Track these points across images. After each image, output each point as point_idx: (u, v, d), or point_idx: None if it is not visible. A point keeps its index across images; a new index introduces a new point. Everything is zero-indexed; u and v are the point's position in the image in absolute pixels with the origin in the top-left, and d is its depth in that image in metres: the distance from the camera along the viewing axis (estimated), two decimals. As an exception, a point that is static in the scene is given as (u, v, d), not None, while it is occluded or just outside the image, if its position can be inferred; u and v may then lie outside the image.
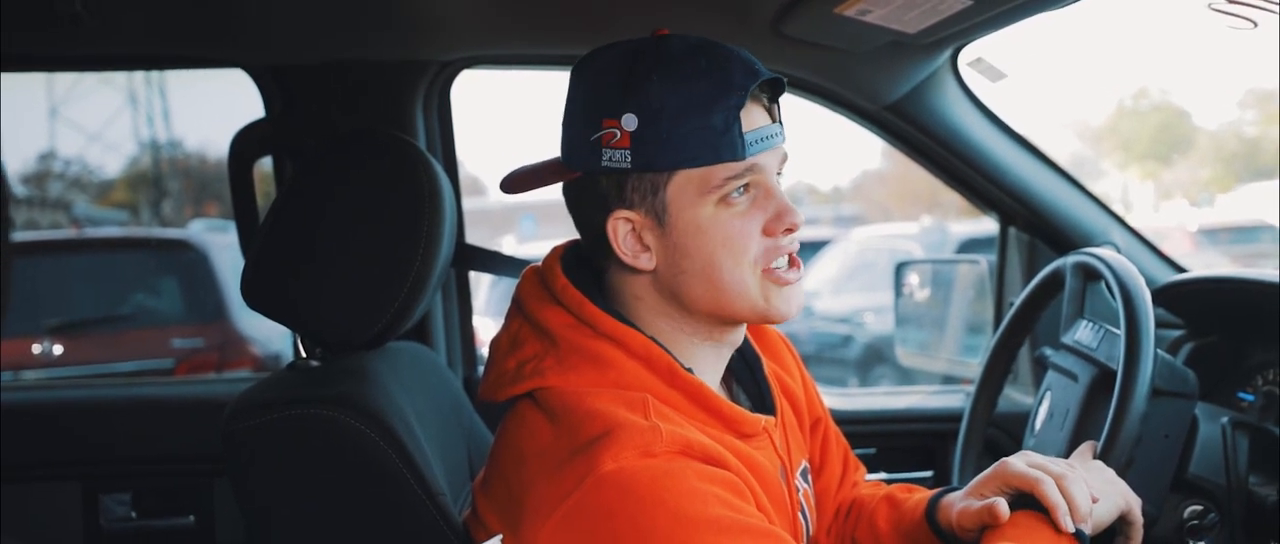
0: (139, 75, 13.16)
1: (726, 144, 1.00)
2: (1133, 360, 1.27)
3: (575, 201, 1.09)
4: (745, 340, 1.19)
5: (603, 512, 0.92)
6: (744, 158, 1.01)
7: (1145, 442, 1.27)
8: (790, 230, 1.05)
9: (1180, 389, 1.35)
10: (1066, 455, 1.32)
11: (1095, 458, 1.23)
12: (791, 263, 1.07)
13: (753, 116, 1.03)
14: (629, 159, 1.01)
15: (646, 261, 1.05)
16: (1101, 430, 1.27)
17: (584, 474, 0.93)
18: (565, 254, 1.13)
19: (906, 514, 1.24)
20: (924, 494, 1.24)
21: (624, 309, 1.08)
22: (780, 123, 1.07)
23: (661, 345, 1.05)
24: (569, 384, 1.03)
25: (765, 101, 1.05)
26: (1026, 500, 1.06)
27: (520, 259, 1.81)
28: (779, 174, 1.08)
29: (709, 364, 1.11)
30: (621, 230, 1.05)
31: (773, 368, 1.25)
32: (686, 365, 1.06)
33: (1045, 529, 1.03)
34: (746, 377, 1.20)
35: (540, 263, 1.13)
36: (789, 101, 1.93)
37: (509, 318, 1.12)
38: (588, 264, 1.12)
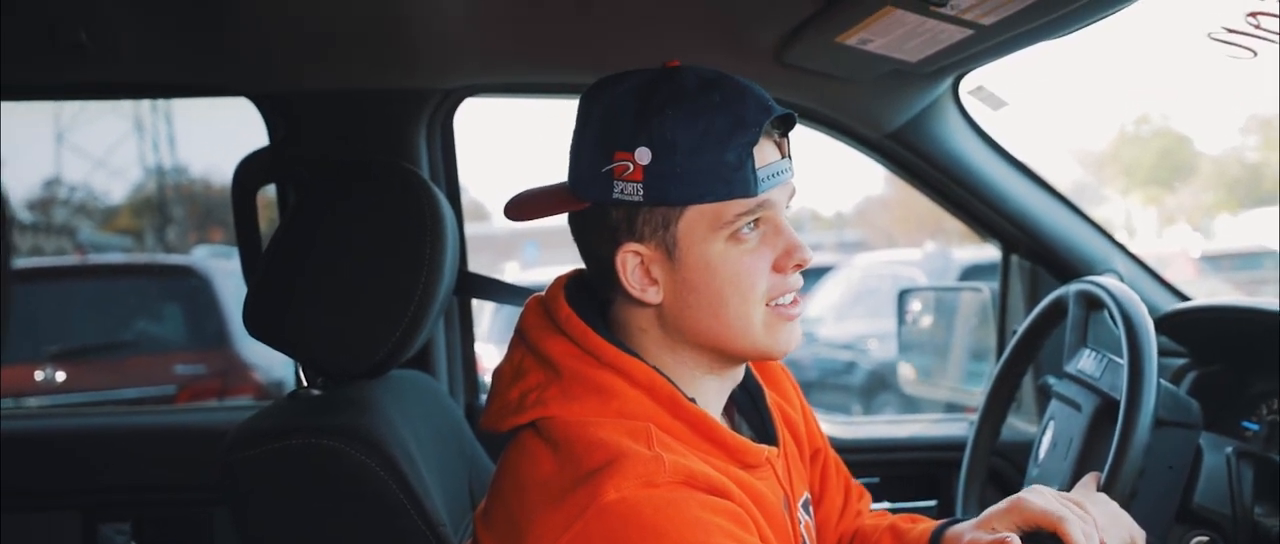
0: (145, 102, 13.23)
1: (739, 180, 1.00)
2: (1136, 391, 1.27)
3: (582, 232, 1.08)
4: (748, 370, 1.19)
5: (605, 540, 0.91)
6: (756, 194, 1.01)
7: (1149, 473, 1.26)
8: (799, 266, 1.05)
9: (1184, 419, 1.34)
10: (1070, 486, 1.31)
11: (1099, 490, 1.22)
12: (794, 300, 1.07)
13: (764, 152, 1.02)
14: (641, 192, 1.00)
15: (654, 295, 1.05)
16: (1105, 461, 1.26)
17: (586, 504, 0.93)
18: (569, 284, 1.12)
19: None
20: (928, 525, 1.23)
21: (628, 340, 1.08)
22: (790, 157, 1.07)
23: (665, 376, 1.05)
24: (572, 414, 1.02)
25: (776, 136, 1.05)
26: (1038, 538, 1.05)
27: (522, 287, 1.81)
28: (787, 208, 1.08)
29: (712, 395, 1.11)
30: (630, 263, 1.04)
31: (774, 398, 1.25)
32: (690, 396, 1.06)
33: None
34: (749, 407, 1.19)
35: (544, 293, 1.13)
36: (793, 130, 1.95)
37: (512, 348, 1.12)
38: (592, 294, 1.11)
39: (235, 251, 1.84)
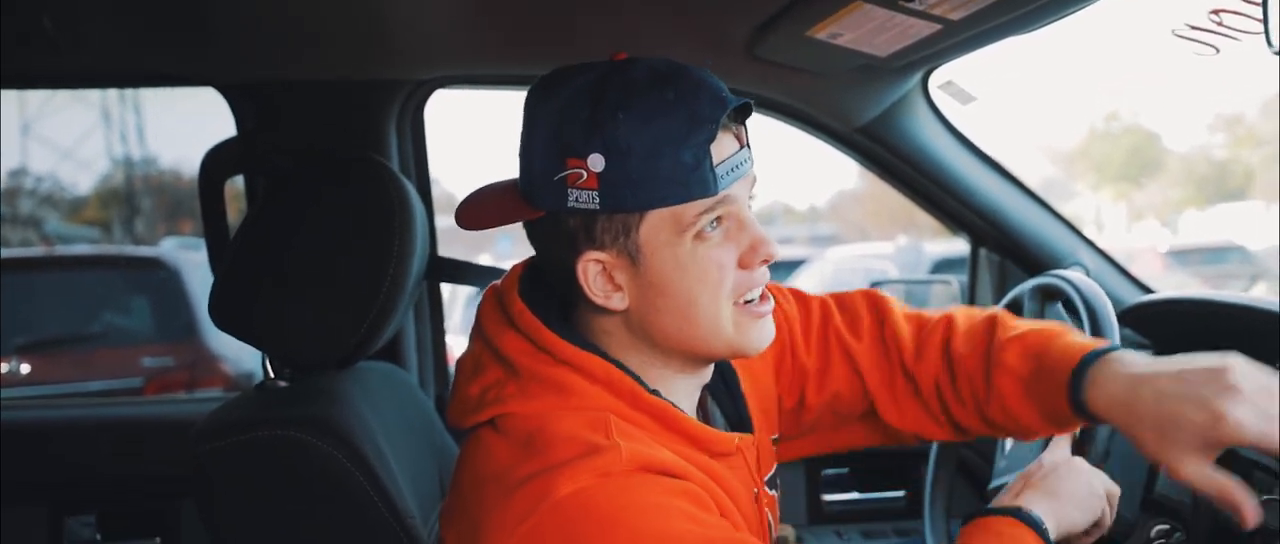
0: (113, 92, 13.07)
1: (697, 180, 0.96)
2: None
3: (540, 239, 1.05)
4: None
5: (562, 533, 0.90)
6: (717, 192, 0.97)
7: (1116, 451, 1.28)
8: (766, 261, 1.02)
9: None
10: None
11: (1075, 445, 1.22)
12: (763, 296, 1.05)
13: (722, 146, 0.99)
14: (597, 200, 0.96)
15: (619, 302, 1.02)
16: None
17: (540, 498, 0.91)
18: (525, 274, 1.10)
19: (1046, 369, 1.13)
20: (1067, 354, 1.12)
21: (591, 337, 1.06)
22: (748, 146, 1.04)
23: (625, 369, 1.03)
24: (530, 409, 1.01)
25: (733, 127, 1.02)
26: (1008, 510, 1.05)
27: (493, 268, 1.80)
28: (750, 198, 1.05)
29: (681, 390, 1.09)
30: (592, 271, 1.01)
31: (750, 368, 1.22)
32: (653, 388, 1.04)
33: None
34: (722, 392, 1.18)
35: (500, 283, 1.10)
36: (764, 122, 1.95)
37: (472, 339, 1.10)
38: (548, 285, 1.09)
39: (204, 243, 1.83)
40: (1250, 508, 0.94)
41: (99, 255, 8.08)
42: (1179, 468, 0.98)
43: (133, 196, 14.40)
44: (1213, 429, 0.95)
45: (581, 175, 0.96)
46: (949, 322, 1.25)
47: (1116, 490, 1.14)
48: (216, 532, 1.14)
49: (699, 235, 0.99)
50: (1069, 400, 1.09)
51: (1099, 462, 1.21)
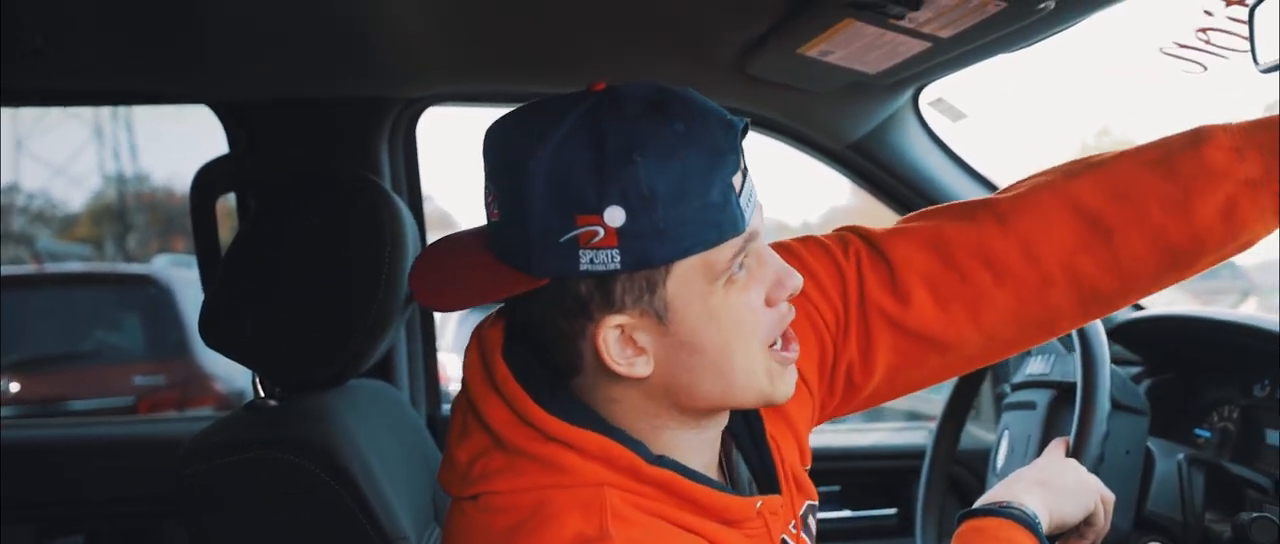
0: (105, 109, 13.05)
1: (728, 220, 0.84)
2: (1090, 362, 1.30)
3: (537, 310, 0.88)
4: None
5: None
6: (744, 230, 0.86)
7: (1108, 459, 1.28)
8: (792, 294, 0.90)
9: (1135, 406, 1.38)
10: None
11: (1069, 451, 1.22)
12: (786, 341, 0.92)
13: (737, 176, 0.86)
14: (618, 259, 0.82)
15: (643, 367, 0.88)
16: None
17: None
18: (510, 324, 0.94)
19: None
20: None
21: (592, 402, 0.92)
22: (748, 167, 0.90)
23: (625, 438, 0.90)
24: (520, 486, 0.88)
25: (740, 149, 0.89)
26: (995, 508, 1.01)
27: None
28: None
29: (697, 445, 0.95)
30: (612, 339, 0.86)
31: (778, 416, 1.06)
32: (658, 455, 0.91)
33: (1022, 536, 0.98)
34: (747, 442, 1.03)
35: (484, 333, 0.95)
36: (756, 139, 1.96)
37: (460, 392, 0.97)
38: (534, 339, 0.93)
39: (196, 261, 1.82)
40: None
41: (91, 273, 8.05)
42: None
43: (125, 214, 14.36)
44: None
45: (597, 233, 0.82)
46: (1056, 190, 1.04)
47: (1110, 496, 1.12)
48: (204, 552, 1.13)
49: (730, 281, 0.87)
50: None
51: (1093, 468, 1.22)
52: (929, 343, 1.06)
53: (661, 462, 0.90)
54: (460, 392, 0.96)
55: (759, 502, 0.94)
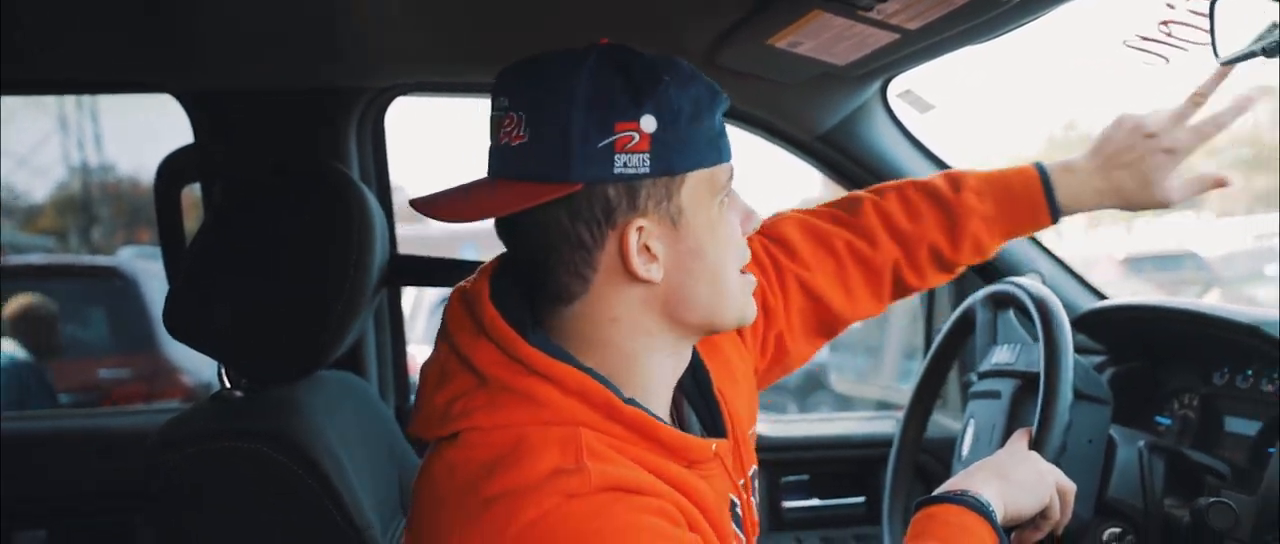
0: (69, 99, 12.87)
1: (725, 146, 1.02)
2: (1053, 354, 1.32)
3: (554, 229, 0.97)
4: (695, 353, 1.13)
5: None
6: (731, 159, 1.03)
7: (1070, 448, 1.30)
8: (754, 230, 1.07)
9: (1098, 395, 1.39)
10: None
11: (1029, 448, 1.24)
12: (749, 268, 1.08)
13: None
14: (647, 163, 0.95)
15: (656, 272, 0.99)
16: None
17: (505, 523, 0.88)
18: (495, 275, 1.05)
19: (1015, 191, 1.37)
20: (1020, 174, 1.38)
21: (581, 335, 1.01)
22: None
23: (600, 378, 0.99)
24: (499, 421, 0.96)
25: None
26: (958, 497, 1.07)
27: (460, 263, 1.66)
28: None
29: (662, 384, 1.05)
30: (634, 240, 0.97)
31: (722, 358, 1.21)
32: (629, 396, 1.00)
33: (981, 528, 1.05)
34: (696, 395, 1.15)
35: (467, 285, 1.05)
36: (728, 131, 1.96)
37: (438, 344, 1.05)
38: (520, 286, 1.04)
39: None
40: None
41: (55, 265, 7.95)
42: (1170, 190, 1.34)
43: (90, 205, 14.18)
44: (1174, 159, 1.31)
45: (633, 138, 0.95)
46: (876, 206, 1.39)
47: (1071, 486, 1.17)
48: (169, 543, 1.13)
49: (722, 201, 1.02)
50: (1048, 207, 1.36)
51: (1054, 458, 1.23)
52: (824, 305, 1.34)
53: (633, 403, 0.99)
54: (436, 348, 1.04)
55: (713, 444, 1.04)
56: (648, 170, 0.95)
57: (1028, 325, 1.48)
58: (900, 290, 1.40)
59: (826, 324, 1.36)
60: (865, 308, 1.38)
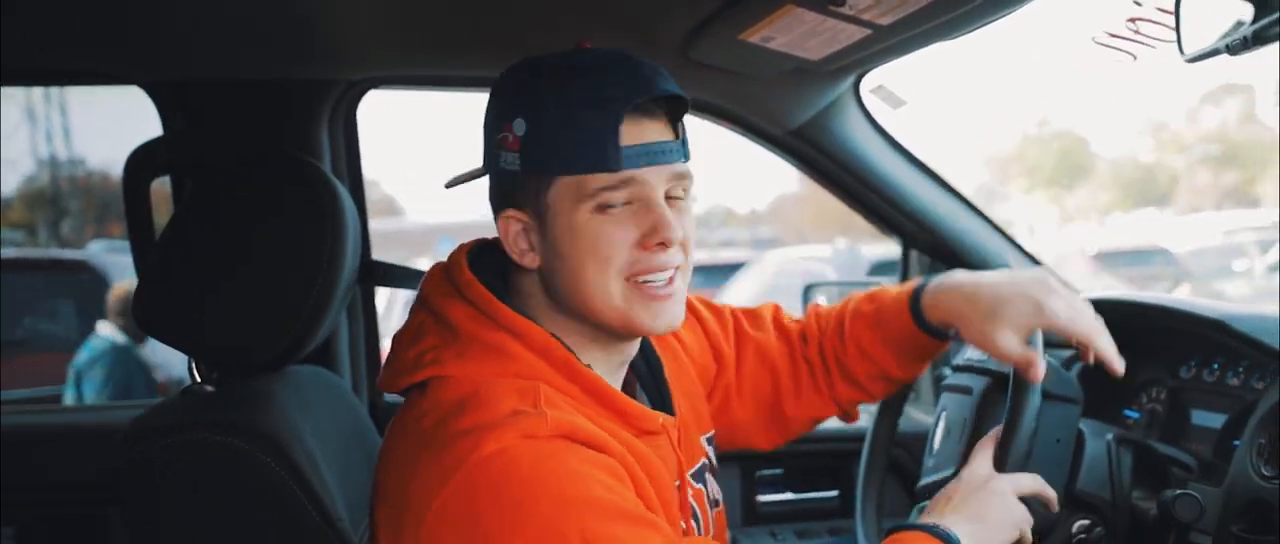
0: (37, 90, 12.71)
1: (600, 155, 1.03)
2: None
3: (490, 200, 1.13)
4: (647, 343, 1.23)
5: (485, 491, 0.94)
6: (619, 170, 1.03)
7: (1039, 447, 1.31)
8: (663, 245, 1.07)
9: (1067, 394, 1.40)
10: (962, 463, 1.34)
11: (996, 448, 1.26)
12: (669, 281, 1.09)
13: (640, 131, 1.05)
14: (518, 162, 1.05)
15: (531, 261, 1.09)
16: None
17: (465, 456, 0.95)
18: (472, 250, 1.15)
19: (886, 308, 1.39)
20: (904, 289, 1.39)
21: (525, 306, 1.11)
22: (681, 142, 1.10)
23: (561, 341, 1.08)
24: (466, 373, 1.04)
25: (665, 118, 1.08)
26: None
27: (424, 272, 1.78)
28: (679, 196, 1.10)
29: (607, 364, 1.14)
30: (512, 229, 1.09)
31: (678, 354, 1.30)
32: (586, 362, 1.09)
33: None
34: (648, 378, 1.23)
35: (446, 259, 1.15)
36: (706, 128, 1.97)
37: (413, 312, 1.14)
38: (493, 263, 1.14)
39: (131, 246, 1.78)
40: (1037, 371, 1.21)
41: (23, 259, 7.85)
42: (998, 341, 1.25)
43: (59, 198, 14.02)
44: (1034, 314, 1.23)
45: (508, 138, 1.05)
46: (818, 315, 1.48)
47: (1051, 495, 1.21)
48: (142, 537, 1.12)
49: (600, 208, 1.05)
50: (911, 315, 1.34)
51: (1021, 461, 1.24)
52: (775, 382, 1.44)
53: (589, 368, 1.08)
54: (411, 315, 1.14)
55: (661, 417, 1.14)
56: (518, 168, 1.06)
57: None
58: (846, 393, 1.47)
59: (773, 408, 1.45)
60: (810, 402, 1.46)
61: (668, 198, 1.09)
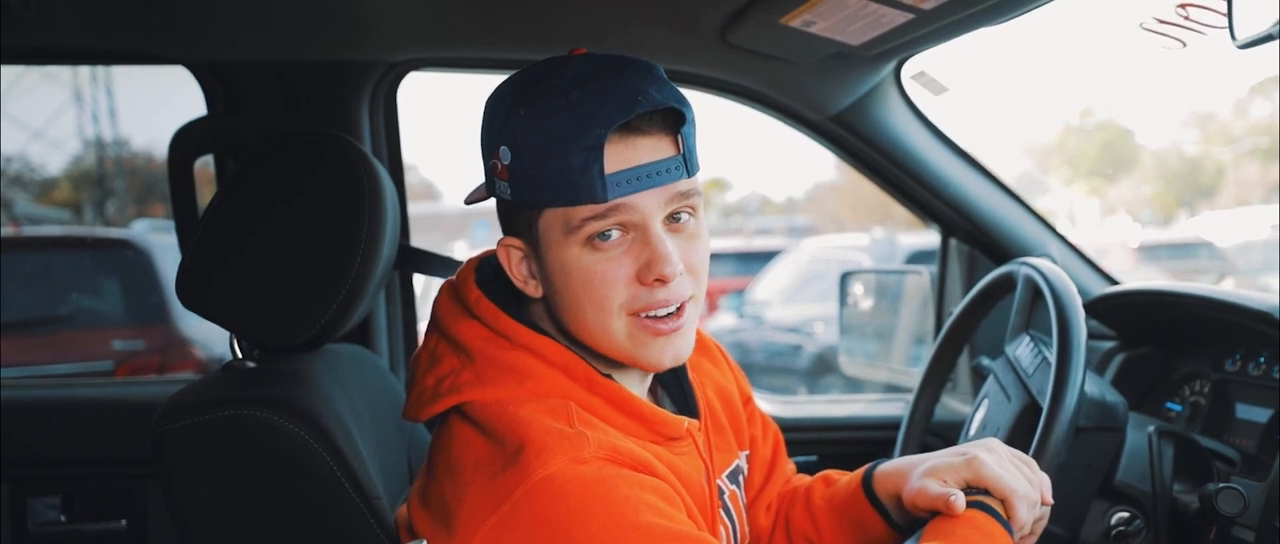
0: (84, 71, 12.91)
1: (584, 185, 0.95)
2: (1053, 413, 1.27)
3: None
4: None
5: (536, 519, 0.92)
6: (604, 200, 0.96)
7: (1067, 469, 1.29)
8: (661, 281, 0.99)
9: (1108, 423, 1.37)
10: None
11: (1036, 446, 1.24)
12: (677, 313, 1.02)
13: (631, 152, 0.96)
14: (509, 191, 1.01)
15: (534, 289, 1.05)
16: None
17: (516, 483, 0.93)
18: (480, 266, 1.12)
19: (841, 489, 1.23)
20: (860, 470, 1.23)
21: (538, 321, 1.08)
22: (683, 155, 1.00)
23: (578, 354, 1.04)
24: (489, 396, 1.01)
25: (663, 132, 0.99)
26: (975, 493, 1.06)
27: (455, 261, 1.77)
28: (684, 218, 1.02)
29: (629, 376, 1.10)
30: (513, 257, 1.05)
31: (702, 365, 1.26)
32: (605, 372, 1.05)
33: (996, 530, 1.03)
34: (671, 381, 1.20)
35: (455, 277, 1.12)
36: (744, 114, 1.95)
37: (427, 334, 1.12)
38: (504, 276, 1.10)
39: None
40: (955, 507, 1.04)
41: (69, 237, 7.98)
42: (924, 485, 1.08)
43: (104, 178, 14.24)
44: (964, 467, 1.08)
45: (498, 166, 1.01)
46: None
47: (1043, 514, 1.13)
48: (179, 511, 1.13)
49: (590, 242, 0.98)
50: (862, 487, 1.18)
51: (1055, 464, 1.23)
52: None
53: (609, 378, 1.04)
54: (425, 339, 1.11)
55: (686, 422, 1.09)
56: (509, 197, 1.01)
57: (1040, 307, 1.47)
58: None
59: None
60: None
61: (671, 220, 1.01)
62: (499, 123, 1.00)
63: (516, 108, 0.97)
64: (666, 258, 0.98)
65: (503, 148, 0.99)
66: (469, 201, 1.17)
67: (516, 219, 1.03)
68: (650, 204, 0.98)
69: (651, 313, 1.01)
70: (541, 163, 0.96)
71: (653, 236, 0.99)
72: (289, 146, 1.29)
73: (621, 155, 0.96)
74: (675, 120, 0.99)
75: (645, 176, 0.97)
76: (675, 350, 1.04)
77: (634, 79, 0.97)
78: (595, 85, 0.96)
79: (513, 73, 1.04)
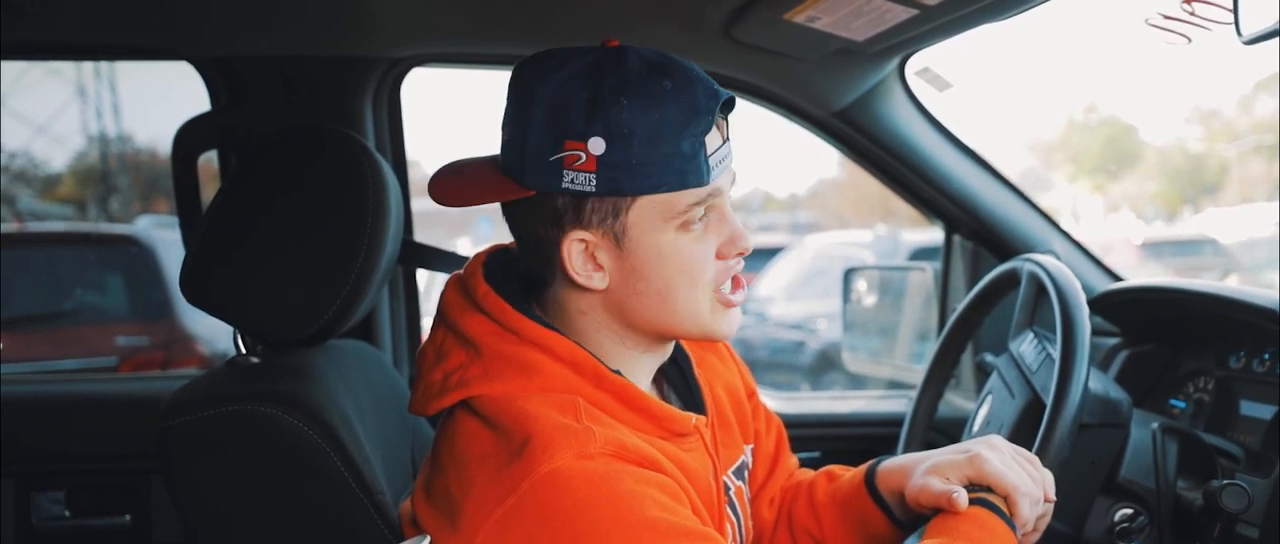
0: (88, 67, 12.90)
1: (693, 170, 0.99)
2: (1057, 410, 1.27)
3: (522, 216, 1.05)
4: (676, 344, 1.20)
5: (541, 513, 0.92)
6: (708, 183, 1.01)
7: (1071, 465, 1.29)
8: (742, 253, 1.06)
9: (1111, 420, 1.37)
10: None
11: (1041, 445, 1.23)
12: (736, 284, 1.08)
13: (712, 138, 1.02)
14: (593, 183, 0.98)
15: (599, 281, 1.04)
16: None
17: (522, 477, 0.93)
18: (488, 260, 1.12)
19: (844, 485, 1.25)
20: (862, 466, 1.24)
21: (565, 319, 1.08)
22: (729, 139, 1.07)
23: (588, 349, 1.05)
24: (496, 391, 1.02)
25: (721, 119, 1.04)
26: (978, 490, 1.07)
27: (461, 257, 1.78)
28: (731, 189, 1.08)
29: (641, 370, 1.12)
30: (576, 250, 1.03)
31: (708, 361, 1.26)
32: (614, 368, 1.06)
33: (999, 527, 1.04)
34: (677, 378, 1.20)
35: (462, 271, 1.12)
36: (744, 108, 1.95)
37: (434, 328, 1.12)
38: (511, 270, 1.11)
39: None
40: (957, 503, 1.05)
41: (72, 232, 7.99)
42: (927, 482, 1.10)
43: (108, 174, 14.24)
44: (966, 465, 1.10)
45: (579, 157, 0.98)
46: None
47: (1045, 512, 1.13)
48: (184, 506, 1.13)
49: (684, 225, 1.02)
50: (865, 484, 1.19)
51: (1058, 460, 1.23)
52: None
53: (618, 374, 1.05)
54: (432, 333, 1.11)
55: (694, 418, 1.10)
56: (593, 189, 0.99)
57: (1043, 303, 1.47)
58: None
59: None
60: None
61: None
62: (582, 112, 0.97)
63: (613, 96, 0.97)
64: (744, 232, 1.06)
65: (594, 139, 0.97)
66: (453, 198, 1.07)
67: (592, 210, 1.00)
68: (725, 183, 1.05)
69: (723, 287, 1.07)
70: (652, 150, 0.98)
71: (729, 214, 1.05)
72: (292, 142, 1.29)
73: (711, 140, 1.01)
74: (727, 107, 1.05)
75: (723, 159, 1.03)
76: (738, 320, 1.10)
77: (697, 70, 1.02)
78: (679, 75, 0.99)
79: (535, 59, 1.02)
